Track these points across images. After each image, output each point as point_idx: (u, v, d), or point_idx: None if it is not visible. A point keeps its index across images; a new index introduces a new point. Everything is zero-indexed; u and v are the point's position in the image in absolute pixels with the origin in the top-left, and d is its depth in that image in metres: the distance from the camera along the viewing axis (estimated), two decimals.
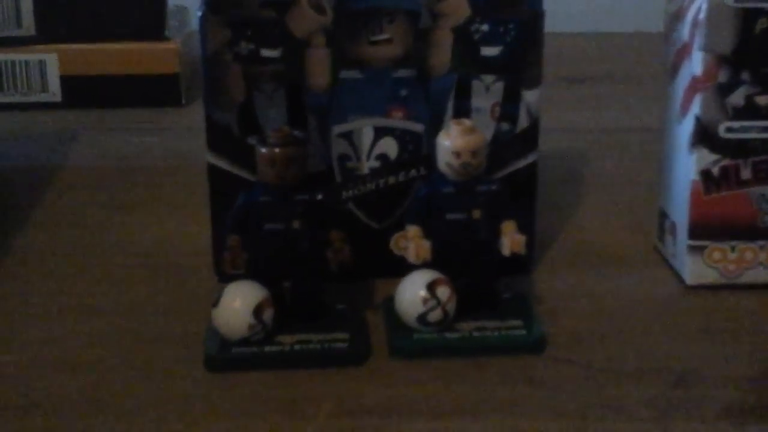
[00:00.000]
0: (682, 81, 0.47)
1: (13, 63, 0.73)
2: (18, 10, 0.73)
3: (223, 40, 0.44)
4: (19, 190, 0.59)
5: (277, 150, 0.41)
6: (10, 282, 0.48)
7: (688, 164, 0.46)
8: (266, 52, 0.44)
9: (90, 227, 0.54)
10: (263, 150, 0.41)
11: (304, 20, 0.44)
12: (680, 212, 0.47)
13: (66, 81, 0.74)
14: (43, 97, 0.74)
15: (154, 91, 0.75)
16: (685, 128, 0.46)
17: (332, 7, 0.44)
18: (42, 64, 0.74)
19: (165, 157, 0.65)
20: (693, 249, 0.47)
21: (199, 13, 0.44)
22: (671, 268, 0.49)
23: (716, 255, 0.47)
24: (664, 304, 0.46)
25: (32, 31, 0.74)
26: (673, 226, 0.48)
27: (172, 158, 0.65)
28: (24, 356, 0.42)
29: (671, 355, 0.42)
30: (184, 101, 0.76)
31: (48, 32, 0.74)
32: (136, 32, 0.75)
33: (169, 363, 0.41)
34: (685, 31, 0.46)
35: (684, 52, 0.46)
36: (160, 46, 0.75)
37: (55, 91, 0.74)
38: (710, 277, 0.47)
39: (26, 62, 0.74)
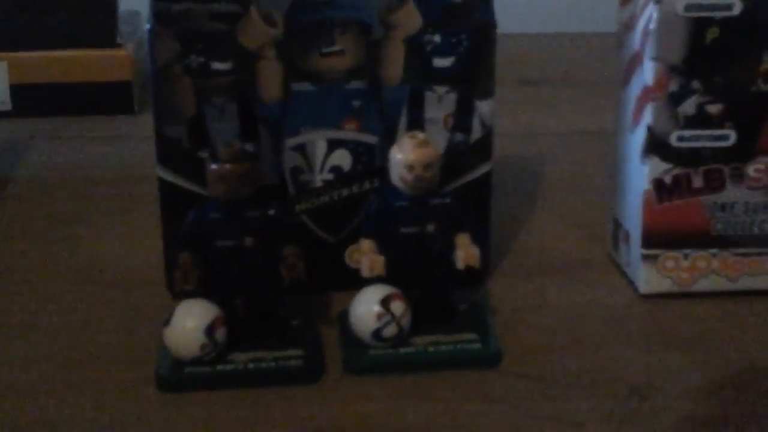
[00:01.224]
0: (634, 90, 0.47)
1: None
2: None
3: (173, 53, 0.43)
4: None
5: (227, 166, 0.40)
6: None
7: (640, 173, 0.47)
8: (217, 65, 0.44)
9: (37, 241, 0.53)
10: (214, 166, 0.40)
11: (255, 32, 0.44)
12: (633, 221, 0.48)
13: (16, 89, 0.73)
14: None
15: (107, 99, 0.74)
16: (637, 137, 0.47)
17: (283, 19, 0.44)
18: None
19: (118, 168, 0.64)
20: (646, 258, 0.47)
21: (148, 26, 0.43)
22: (625, 276, 0.49)
23: (669, 263, 0.47)
24: (619, 314, 0.46)
25: None
26: (627, 234, 0.48)
27: (125, 168, 0.64)
28: None
29: (626, 366, 0.42)
30: (136, 108, 0.75)
31: None
32: (87, 39, 0.74)
33: (120, 383, 0.40)
34: (636, 40, 0.46)
35: (635, 61, 0.47)
36: (112, 53, 0.74)
37: (4, 100, 0.73)
38: (664, 285, 0.47)
39: None
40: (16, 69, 0.73)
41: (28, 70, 0.73)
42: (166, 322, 0.40)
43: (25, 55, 0.73)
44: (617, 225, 0.50)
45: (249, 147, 0.42)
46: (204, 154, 0.44)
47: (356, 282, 0.42)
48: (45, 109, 0.74)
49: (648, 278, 0.47)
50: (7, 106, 0.73)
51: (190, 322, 0.40)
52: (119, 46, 0.75)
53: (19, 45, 0.73)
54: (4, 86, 0.73)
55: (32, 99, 0.73)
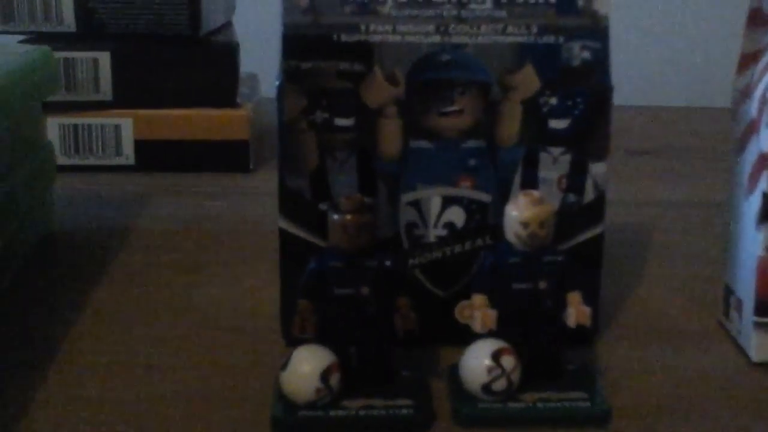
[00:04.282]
0: (750, 157, 0.47)
1: (90, 126, 0.76)
2: (96, 76, 0.76)
3: (299, 109, 0.45)
4: (92, 251, 0.61)
5: (348, 217, 0.42)
6: (83, 340, 0.49)
7: (755, 240, 0.46)
8: (340, 121, 0.46)
9: (160, 288, 0.55)
10: (335, 216, 0.42)
11: (378, 91, 0.45)
12: (746, 288, 0.47)
13: (139, 145, 0.76)
14: (117, 161, 0.77)
15: (224, 157, 0.77)
16: (752, 205, 0.47)
17: (405, 78, 0.45)
18: (117, 128, 0.76)
19: (234, 222, 0.66)
20: (759, 326, 0.47)
21: (278, 83, 0.45)
22: (737, 344, 0.49)
23: None
24: (730, 382, 0.46)
25: (109, 96, 0.76)
26: (739, 302, 0.48)
27: (240, 223, 0.66)
28: (90, 415, 0.43)
29: None
30: (252, 167, 0.77)
31: (124, 97, 0.76)
32: (208, 99, 0.77)
33: (235, 426, 0.42)
34: (753, 107, 0.47)
35: (752, 128, 0.47)
36: (232, 113, 0.77)
37: (128, 155, 0.77)
38: None
39: (102, 126, 0.76)
40: (140, 126, 0.76)
41: (151, 127, 0.77)
42: (283, 366, 0.41)
43: (149, 112, 0.77)
44: (729, 292, 0.50)
45: (368, 200, 0.43)
46: (324, 206, 0.45)
47: (464, 337, 0.43)
48: (165, 165, 0.77)
49: (760, 346, 0.47)
50: (131, 160, 0.77)
51: (307, 367, 0.41)
52: (239, 106, 0.77)
53: (144, 103, 0.77)
54: (129, 142, 0.76)
55: (154, 155, 0.77)
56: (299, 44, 0.45)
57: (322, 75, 0.45)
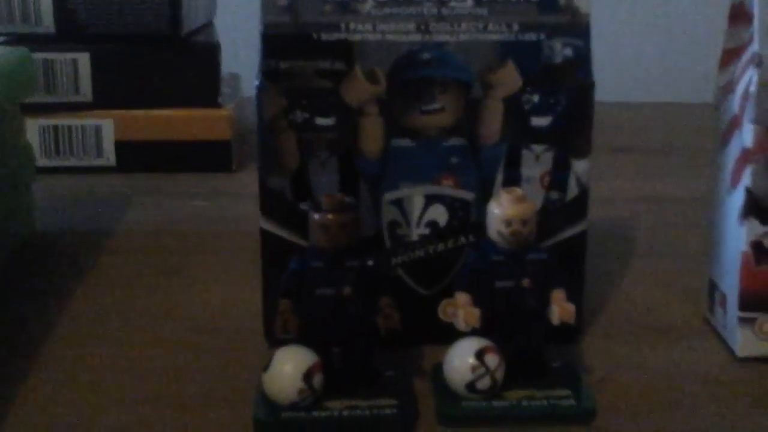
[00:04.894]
0: (733, 152, 0.47)
1: (70, 128, 0.75)
2: (76, 77, 0.75)
3: (279, 109, 0.45)
4: (74, 253, 0.60)
5: (329, 216, 0.41)
6: (63, 343, 0.49)
7: (738, 235, 0.46)
8: (320, 121, 0.45)
9: (142, 290, 0.55)
10: (316, 216, 0.41)
11: (358, 90, 0.45)
12: (730, 283, 0.47)
13: (120, 146, 0.76)
14: (98, 162, 0.76)
15: (206, 157, 0.76)
16: (736, 200, 0.47)
17: (386, 77, 0.45)
18: (98, 129, 0.76)
19: (216, 222, 0.66)
20: (743, 321, 0.47)
21: (257, 83, 0.45)
22: (721, 339, 0.48)
23: (767, 327, 0.46)
24: (715, 377, 0.46)
25: (89, 97, 0.76)
26: (723, 297, 0.48)
27: (222, 223, 0.66)
28: (76, 419, 0.42)
29: (722, 429, 0.41)
30: (234, 167, 0.77)
31: (104, 98, 0.76)
32: (190, 99, 0.76)
33: (218, 427, 0.41)
34: (735, 103, 0.47)
35: (734, 124, 0.47)
36: (213, 113, 0.77)
37: (109, 156, 0.76)
38: (761, 349, 0.47)
39: (83, 127, 0.76)
40: (120, 127, 0.76)
41: (132, 127, 0.76)
42: (265, 368, 0.41)
43: (130, 113, 0.76)
44: (713, 287, 0.50)
45: (350, 199, 0.43)
46: (305, 206, 0.45)
47: (448, 336, 0.43)
48: (147, 166, 0.76)
49: (745, 341, 0.47)
50: (112, 162, 0.76)
51: (289, 368, 0.40)
52: (220, 106, 0.77)
53: (124, 104, 0.76)
54: (110, 143, 0.76)
55: (135, 156, 0.76)
56: (278, 43, 0.45)
57: (302, 74, 0.45)
